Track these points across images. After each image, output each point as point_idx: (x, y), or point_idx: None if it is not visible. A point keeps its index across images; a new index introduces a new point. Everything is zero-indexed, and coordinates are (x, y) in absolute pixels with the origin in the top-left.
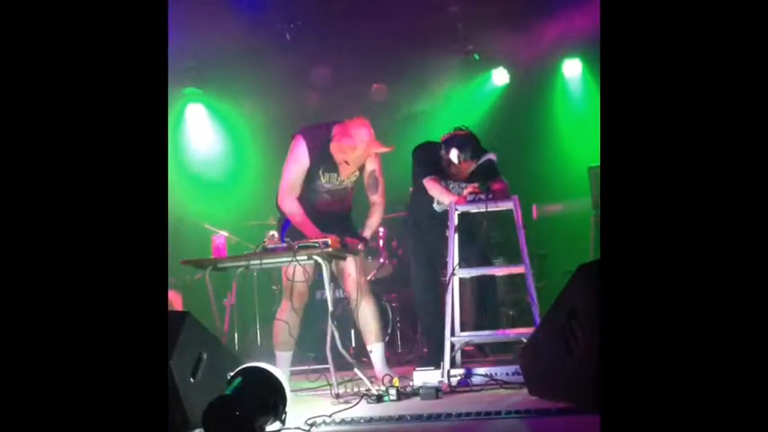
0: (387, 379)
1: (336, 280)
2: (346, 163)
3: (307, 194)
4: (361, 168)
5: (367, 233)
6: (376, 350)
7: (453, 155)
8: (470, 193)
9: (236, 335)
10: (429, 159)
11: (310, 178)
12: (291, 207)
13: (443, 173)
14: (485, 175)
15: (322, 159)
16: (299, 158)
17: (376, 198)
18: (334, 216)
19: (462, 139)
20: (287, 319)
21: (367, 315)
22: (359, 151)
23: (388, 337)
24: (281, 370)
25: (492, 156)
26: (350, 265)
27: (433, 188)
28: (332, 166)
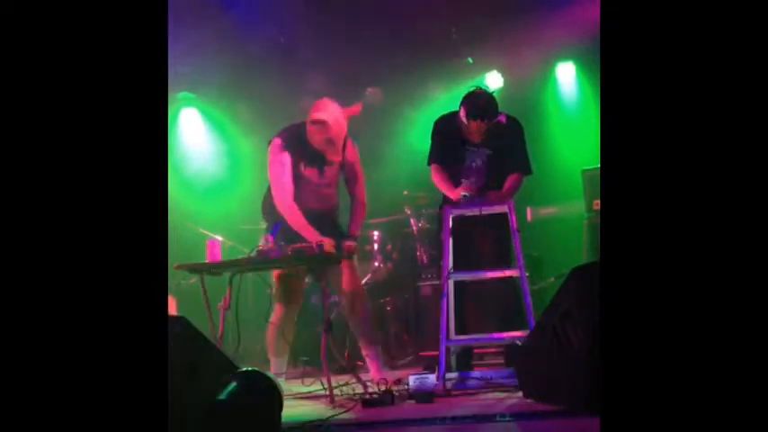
0: (382, 383)
1: (331, 283)
2: (325, 144)
3: (295, 195)
4: (342, 164)
5: (355, 230)
6: (371, 354)
7: (462, 112)
8: (462, 195)
9: (230, 339)
10: (442, 136)
11: (295, 177)
12: (291, 211)
13: (459, 137)
14: (497, 142)
15: (302, 154)
16: (281, 158)
17: (356, 191)
18: (322, 216)
19: (473, 96)
20: (280, 323)
21: (362, 319)
22: (333, 125)
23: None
24: (275, 374)
25: (501, 117)
26: (344, 269)
27: (436, 176)
28: (314, 158)
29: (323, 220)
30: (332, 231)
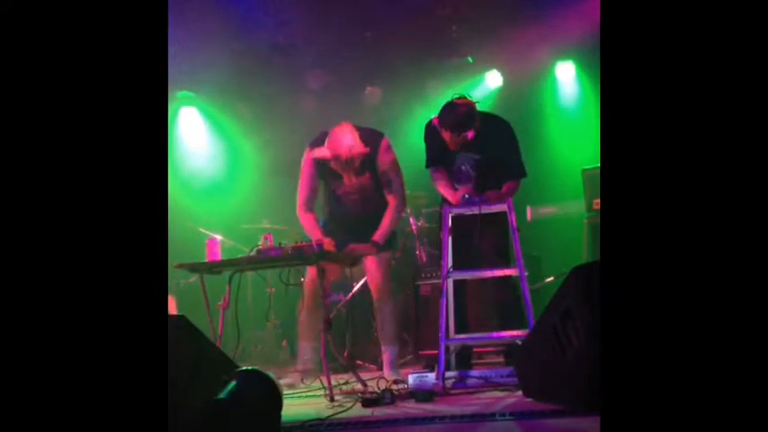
0: (381, 382)
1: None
2: (341, 169)
3: (328, 203)
4: (374, 170)
5: (378, 237)
6: (388, 352)
7: (437, 120)
8: (462, 197)
9: (230, 338)
10: (433, 138)
11: (324, 187)
12: (304, 220)
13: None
14: (485, 148)
15: (325, 169)
16: (307, 171)
17: (390, 198)
18: (359, 221)
19: (446, 107)
20: (307, 319)
21: (384, 316)
22: (342, 158)
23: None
24: (304, 362)
25: (470, 133)
26: (371, 266)
27: (436, 180)
28: (335, 174)
29: (362, 225)
30: (368, 237)
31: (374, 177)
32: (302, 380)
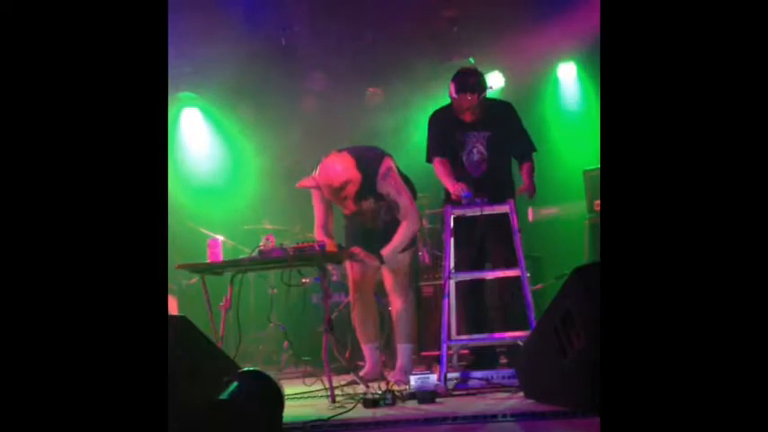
0: (396, 382)
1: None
2: (333, 199)
3: (345, 219)
4: (378, 194)
5: (385, 251)
6: (401, 350)
7: (451, 89)
8: (464, 196)
9: (231, 339)
10: (439, 126)
11: (337, 208)
12: (317, 234)
13: (455, 124)
14: (495, 125)
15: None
16: (315, 198)
17: (400, 217)
18: (373, 234)
19: (461, 72)
20: (357, 313)
21: (398, 315)
22: (332, 189)
23: (383, 341)
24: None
25: (491, 86)
26: (389, 265)
27: (438, 170)
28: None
29: (375, 238)
30: (380, 247)
31: (380, 201)
32: (304, 381)
